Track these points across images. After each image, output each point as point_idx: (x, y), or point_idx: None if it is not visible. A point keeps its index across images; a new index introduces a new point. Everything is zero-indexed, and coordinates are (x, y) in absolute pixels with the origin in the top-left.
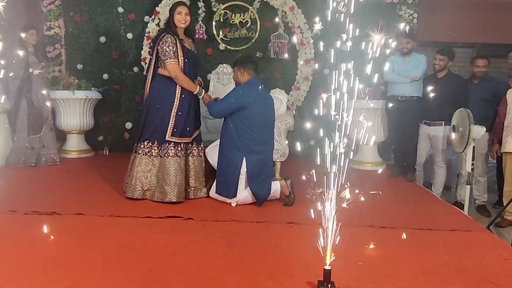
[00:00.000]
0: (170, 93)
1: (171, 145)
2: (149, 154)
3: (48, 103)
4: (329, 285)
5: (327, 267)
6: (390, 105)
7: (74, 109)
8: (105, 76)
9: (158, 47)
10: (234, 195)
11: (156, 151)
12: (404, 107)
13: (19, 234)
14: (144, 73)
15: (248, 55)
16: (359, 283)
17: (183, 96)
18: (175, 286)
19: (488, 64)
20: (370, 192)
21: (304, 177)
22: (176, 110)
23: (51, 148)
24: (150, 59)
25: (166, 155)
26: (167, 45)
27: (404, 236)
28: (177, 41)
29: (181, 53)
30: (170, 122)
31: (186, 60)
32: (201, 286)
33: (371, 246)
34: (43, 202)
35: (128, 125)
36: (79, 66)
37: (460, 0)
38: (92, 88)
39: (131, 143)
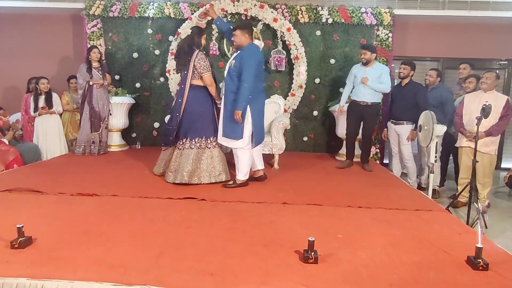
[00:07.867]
0: (208, 100)
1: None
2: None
3: (107, 108)
4: (313, 253)
5: (311, 238)
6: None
7: (114, 111)
8: (137, 84)
9: (196, 63)
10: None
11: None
12: (364, 111)
13: (66, 211)
14: (178, 84)
15: (248, 21)
16: (337, 251)
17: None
18: (189, 253)
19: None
20: None
21: None
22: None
23: (105, 142)
24: (186, 73)
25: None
26: (203, 60)
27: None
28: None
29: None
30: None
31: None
32: (210, 253)
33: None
34: (86, 185)
35: (156, 124)
36: (117, 77)
37: (427, 23)
38: (127, 95)
39: (158, 139)
